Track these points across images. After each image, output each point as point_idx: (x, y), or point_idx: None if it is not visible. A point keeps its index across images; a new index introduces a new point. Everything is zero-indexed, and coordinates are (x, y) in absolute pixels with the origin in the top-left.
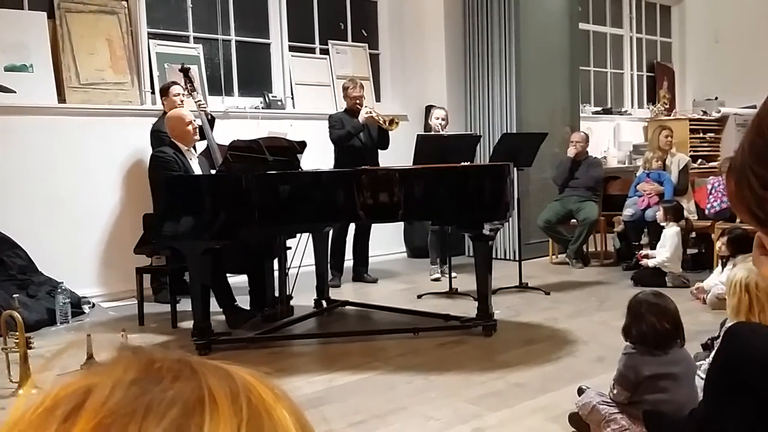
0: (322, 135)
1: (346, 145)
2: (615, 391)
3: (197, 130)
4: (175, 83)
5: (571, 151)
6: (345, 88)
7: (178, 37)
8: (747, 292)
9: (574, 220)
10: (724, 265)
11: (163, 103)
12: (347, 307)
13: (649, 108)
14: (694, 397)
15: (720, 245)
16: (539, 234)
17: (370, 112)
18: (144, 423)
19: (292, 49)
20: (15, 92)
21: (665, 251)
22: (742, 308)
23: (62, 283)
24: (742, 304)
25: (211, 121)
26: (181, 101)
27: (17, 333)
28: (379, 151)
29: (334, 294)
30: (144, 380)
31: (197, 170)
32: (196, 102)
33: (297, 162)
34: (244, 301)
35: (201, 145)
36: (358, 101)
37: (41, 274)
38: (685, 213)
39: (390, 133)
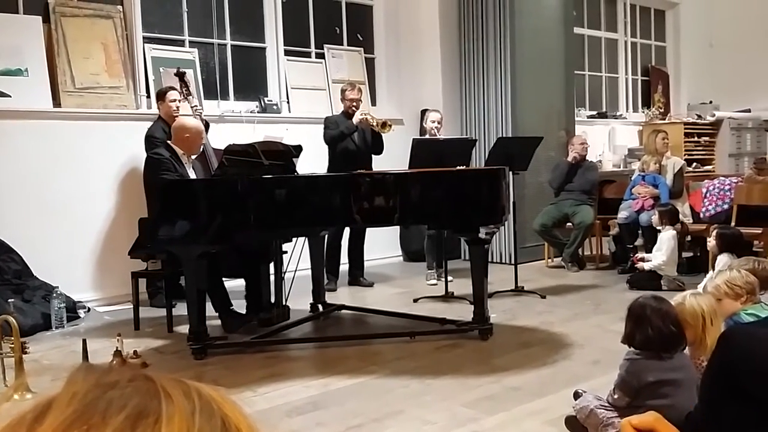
0: (317, 139)
1: (339, 147)
2: (615, 396)
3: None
4: (171, 88)
5: (572, 156)
6: (343, 91)
7: (173, 41)
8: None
9: (569, 224)
10: (713, 266)
11: (158, 108)
12: (343, 311)
13: (643, 112)
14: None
15: (710, 239)
16: (535, 238)
17: (364, 115)
18: (107, 412)
19: (287, 53)
20: (10, 96)
21: (661, 255)
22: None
23: (57, 287)
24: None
25: (206, 126)
26: (177, 107)
27: (12, 338)
28: (374, 156)
29: (330, 298)
30: (102, 385)
31: (192, 176)
32: (191, 107)
33: (293, 166)
34: (240, 306)
35: None
36: (354, 104)
37: (36, 278)
38: (680, 216)
39: (385, 137)
